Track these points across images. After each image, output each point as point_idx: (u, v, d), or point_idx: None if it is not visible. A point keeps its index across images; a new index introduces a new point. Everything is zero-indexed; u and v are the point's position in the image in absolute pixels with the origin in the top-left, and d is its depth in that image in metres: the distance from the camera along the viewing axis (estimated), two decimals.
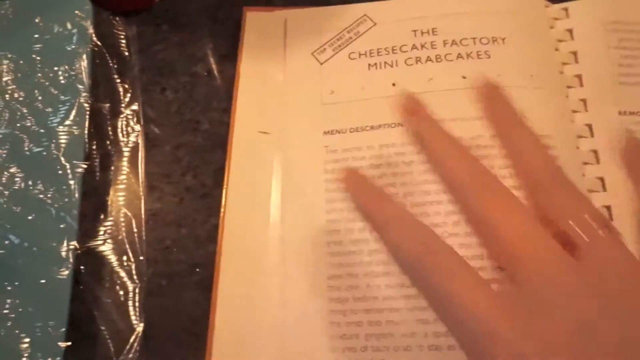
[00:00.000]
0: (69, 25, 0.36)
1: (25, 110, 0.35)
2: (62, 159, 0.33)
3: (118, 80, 0.37)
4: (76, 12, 0.36)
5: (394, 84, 0.34)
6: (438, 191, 0.31)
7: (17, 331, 0.29)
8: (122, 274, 0.32)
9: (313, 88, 0.35)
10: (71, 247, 0.31)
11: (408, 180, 0.31)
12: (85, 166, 0.33)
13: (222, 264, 0.32)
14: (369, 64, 0.35)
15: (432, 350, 0.28)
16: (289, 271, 0.31)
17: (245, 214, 0.33)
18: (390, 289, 0.29)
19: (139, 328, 0.30)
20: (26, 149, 0.34)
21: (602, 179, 0.32)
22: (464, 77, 0.33)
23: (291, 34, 0.37)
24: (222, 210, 0.33)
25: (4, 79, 0.36)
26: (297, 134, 0.34)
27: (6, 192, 0.32)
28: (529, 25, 0.35)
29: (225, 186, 0.34)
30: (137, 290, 0.31)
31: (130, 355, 0.30)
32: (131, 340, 0.30)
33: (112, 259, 0.32)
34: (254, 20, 0.38)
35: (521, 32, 0.34)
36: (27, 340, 0.29)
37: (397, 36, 0.35)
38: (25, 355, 0.28)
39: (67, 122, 0.34)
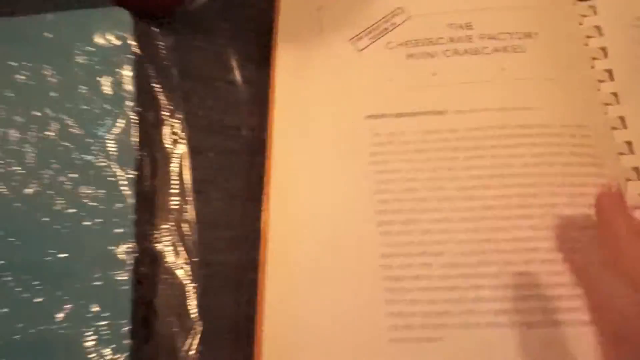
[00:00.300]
0: (111, 38, 0.37)
1: (73, 121, 0.36)
2: (114, 166, 0.34)
3: (159, 89, 0.38)
4: (118, 24, 0.37)
5: (434, 74, 0.36)
6: (482, 176, 0.32)
7: (84, 331, 0.30)
8: (178, 275, 0.33)
9: (352, 74, 0.36)
10: (129, 250, 0.32)
11: (454, 165, 0.32)
12: (136, 173, 0.34)
13: (268, 261, 0.32)
14: (407, 54, 0.37)
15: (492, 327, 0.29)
16: (339, 259, 0.32)
17: (290, 210, 0.34)
18: (444, 268, 0.30)
19: (198, 327, 0.31)
20: (77, 158, 0.35)
21: (637, 169, 0.33)
22: (503, 69, 0.35)
23: (327, 21, 0.38)
24: (265, 208, 0.34)
25: (51, 92, 0.37)
26: (341, 118, 0.35)
27: (62, 200, 0.33)
28: (560, 21, 0.36)
29: (268, 180, 0.34)
30: (193, 291, 0.32)
31: (191, 353, 0.31)
32: (190, 338, 0.31)
33: (168, 261, 0.33)
34: (289, 7, 0.39)
35: (552, 28, 0.36)
36: (95, 338, 0.30)
37: (433, 29, 0.37)
38: (94, 353, 0.29)
39: (116, 131, 0.35)
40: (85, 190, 0.34)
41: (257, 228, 0.34)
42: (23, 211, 0.33)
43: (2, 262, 0.32)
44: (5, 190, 0.34)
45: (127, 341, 0.30)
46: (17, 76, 0.37)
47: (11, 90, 0.36)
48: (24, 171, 0.34)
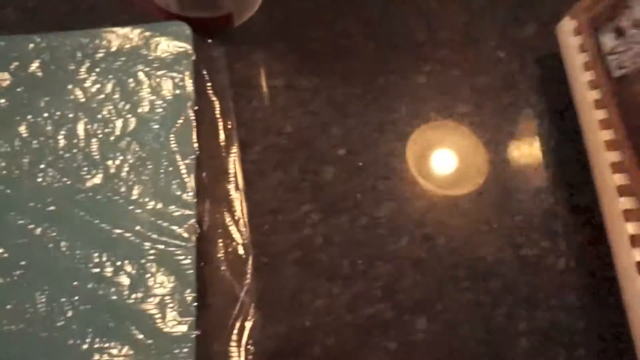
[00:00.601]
0: (174, 46, 0.42)
1: (136, 121, 0.41)
2: (176, 157, 0.39)
3: (211, 92, 0.43)
4: (179, 35, 0.42)
5: None
6: None
7: (153, 300, 0.34)
8: (233, 253, 0.37)
9: None
10: (192, 228, 0.36)
11: None
12: (195, 163, 0.38)
13: None
14: None
15: None
16: None
17: None
18: None
19: (252, 297, 0.35)
20: (142, 153, 0.39)
21: None
22: None
23: None
24: None
25: (115, 95, 0.42)
26: None
27: (129, 187, 0.38)
28: None
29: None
30: (247, 267, 0.36)
31: (247, 323, 0.35)
32: (245, 310, 0.35)
33: (222, 243, 0.37)
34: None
35: None
36: (162, 306, 0.34)
37: None
38: (161, 319, 0.34)
39: (177, 127, 0.40)
40: (150, 178, 0.38)
41: (300, 213, 0.39)
42: (91, 197, 0.38)
43: (77, 241, 0.37)
44: (72, 180, 0.39)
45: (192, 307, 0.34)
46: (87, 83, 0.42)
47: (83, 95, 0.42)
48: (90, 164, 0.39)
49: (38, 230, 0.37)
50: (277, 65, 0.45)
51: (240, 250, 0.37)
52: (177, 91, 0.41)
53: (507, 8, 0.49)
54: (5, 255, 0.36)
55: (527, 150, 0.43)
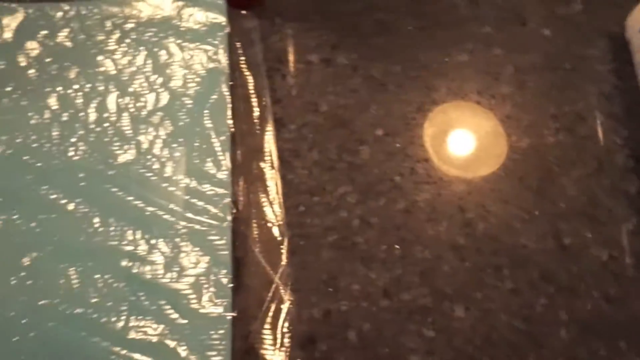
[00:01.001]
0: (208, 18, 0.41)
1: (169, 95, 0.39)
2: (210, 134, 0.38)
3: (245, 67, 0.41)
4: (213, 8, 0.41)
5: None
6: None
7: (194, 280, 0.34)
8: (268, 234, 0.36)
9: None
10: (227, 207, 0.35)
11: None
12: (230, 143, 0.37)
13: None
14: None
15: None
16: None
17: None
18: None
19: (287, 280, 0.35)
20: (175, 129, 0.38)
21: None
22: None
23: None
24: None
25: (146, 68, 0.40)
26: None
27: (157, 166, 0.37)
28: None
29: None
30: (282, 248, 0.36)
31: (283, 305, 0.34)
32: (280, 293, 0.34)
33: (257, 224, 0.36)
34: None
35: None
36: (198, 285, 0.34)
37: None
38: (202, 297, 0.33)
39: (211, 102, 0.39)
40: (183, 155, 0.37)
41: (337, 195, 0.38)
42: (123, 173, 0.37)
43: (110, 218, 0.36)
44: (103, 155, 0.38)
45: (228, 288, 0.33)
46: (117, 55, 0.41)
47: (113, 67, 0.40)
48: (122, 139, 0.38)
49: (70, 206, 0.36)
50: (312, 39, 0.43)
51: (276, 232, 0.36)
52: (211, 65, 0.40)
53: None
54: (38, 230, 0.35)
55: (570, 134, 0.41)
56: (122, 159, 0.37)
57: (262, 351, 0.33)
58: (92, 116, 0.39)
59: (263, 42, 0.42)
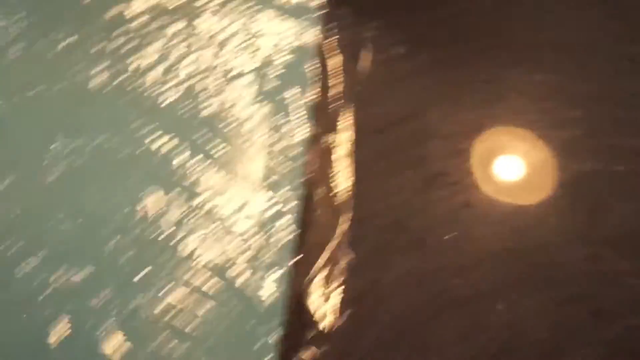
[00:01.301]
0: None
1: (255, 64, 0.42)
2: (291, 105, 0.41)
3: (333, 47, 0.44)
4: None
5: None
6: None
7: (253, 254, 0.37)
8: (331, 202, 0.39)
9: None
10: (293, 190, 0.38)
11: None
12: (309, 114, 0.40)
13: None
14: None
15: None
16: None
17: None
18: None
19: (342, 247, 0.37)
20: (258, 95, 0.41)
21: None
22: None
23: None
24: None
25: (236, 36, 0.43)
26: None
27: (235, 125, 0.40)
28: None
29: None
30: (340, 218, 0.38)
31: (335, 268, 0.36)
32: (335, 257, 0.37)
33: (323, 191, 0.39)
34: None
35: None
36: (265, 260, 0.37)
37: None
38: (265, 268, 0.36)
39: (295, 78, 0.42)
40: (264, 119, 0.40)
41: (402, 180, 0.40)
42: (207, 132, 0.40)
43: (159, 191, 0.39)
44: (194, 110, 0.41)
45: (290, 263, 0.36)
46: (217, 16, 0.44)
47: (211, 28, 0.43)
48: (206, 95, 0.41)
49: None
50: (399, 32, 0.46)
51: (338, 201, 0.39)
52: (301, 40, 0.43)
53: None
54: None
55: (624, 165, 0.42)
56: (206, 112, 0.40)
57: (313, 301, 0.35)
58: (182, 74, 0.42)
59: (353, 28, 0.45)
